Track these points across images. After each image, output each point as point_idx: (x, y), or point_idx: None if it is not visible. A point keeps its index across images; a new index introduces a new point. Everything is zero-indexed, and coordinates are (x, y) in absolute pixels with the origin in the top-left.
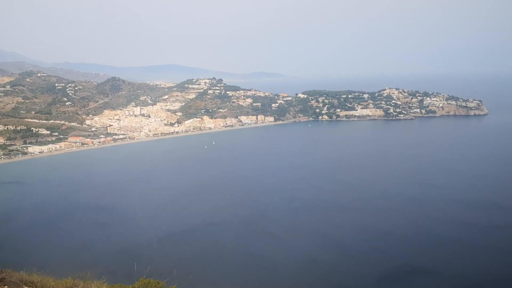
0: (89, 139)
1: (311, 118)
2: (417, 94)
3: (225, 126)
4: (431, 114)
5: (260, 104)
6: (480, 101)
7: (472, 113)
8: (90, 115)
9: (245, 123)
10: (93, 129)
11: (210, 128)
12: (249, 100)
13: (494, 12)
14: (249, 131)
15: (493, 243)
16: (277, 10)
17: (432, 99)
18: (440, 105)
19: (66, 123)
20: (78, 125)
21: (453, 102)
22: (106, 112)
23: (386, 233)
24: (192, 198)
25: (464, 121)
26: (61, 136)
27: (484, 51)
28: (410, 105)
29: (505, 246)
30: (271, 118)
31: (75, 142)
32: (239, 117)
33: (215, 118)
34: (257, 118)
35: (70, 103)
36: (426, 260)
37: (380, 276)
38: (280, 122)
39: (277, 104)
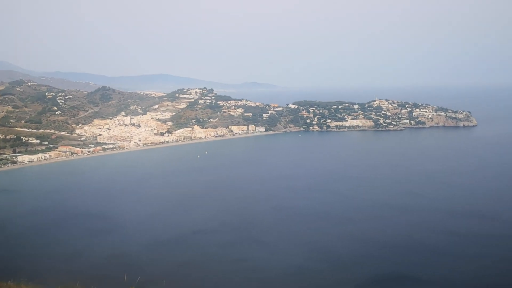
0: (78, 149)
1: (302, 129)
2: (407, 105)
3: (216, 136)
4: (420, 125)
5: (251, 114)
6: (469, 112)
7: (462, 124)
8: (80, 124)
9: (236, 133)
10: (83, 138)
11: (200, 138)
12: (240, 110)
13: (482, 27)
14: (240, 141)
15: (479, 251)
16: (268, 21)
17: (422, 110)
18: (430, 116)
19: (56, 132)
20: (68, 134)
21: (443, 114)
22: (96, 121)
23: (374, 242)
24: (183, 206)
25: (453, 132)
26: (51, 145)
27: (471, 64)
28: (400, 116)
29: (491, 254)
30: (262, 128)
31: (65, 151)
32: (230, 127)
33: (205, 128)
34: (248, 128)
35: (60, 112)
36: (413, 268)
37: (367, 283)
38: (271, 132)
39: (268, 114)
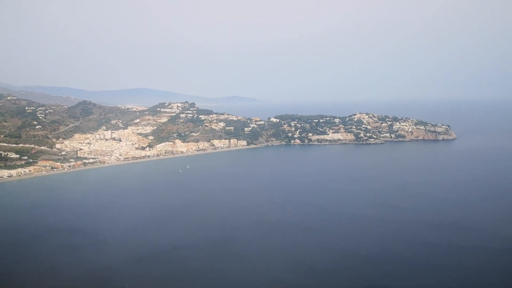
0: (59, 163)
1: (283, 142)
2: (387, 119)
3: (198, 150)
4: (400, 139)
5: (233, 128)
6: (448, 126)
7: (441, 138)
8: (60, 139)
9: (218, 147)
10: (63, 153)
11: (182, 152)
12: (221, 124)
13: (459, 40)
14: (222, 155)
15: (455, 262)
16: (248, 36)
17: (402, 124)
18: (409, 129)
19: (36, 146)
20: (48, 149)
21: (422, 127)
22: (77, 135)
23: (351, 254)
24: (163, 221)
25: (432, 145)
26: (31, 160)
27: (449, 78)
28: (380, 130)
29: (467, 265)
30: (244, 142)
31: (45, 166)
32: (211, 141)
33: (187, 142)
34: (229, 142)
35: (40, 126)
36: (390, 279)
37: None
38: (253, 146)
39: (250, 128)
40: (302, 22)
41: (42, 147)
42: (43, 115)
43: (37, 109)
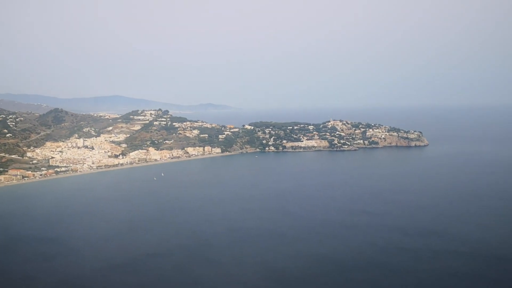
0: (30, 172)
1: (258, 149)
2: (360, 126)
3: (172, 158)
4: (374, 145)
5: (207, 135)
6: (420, 132)
7: (413, 144)
8: (32, 147)
9: (192, 155)
10: (34, 161)
11: (156, 159)
12: (196, 132)
13: (430, 46)
14: (196, 162)
15: (428, 266)
16: (221, 43)
17: (375, 130)
18: (382, 136)
19: (6, 155)
20: (19, 157)
21: (395, 134)
22: (48, 144)
23: (326, 260)
24: (137, 229)
25: (405, 151)
26: (1, 169)
27: (421, 85)
28: (354, 136)
29: (440, 269)
30: (218, 150)
31: (16, 175)
32: (185, 148)
33: (161, 150)
34: (204, 150)
35: (11, 135)
36: (362, 285)
37: None
38: (227, 153)
39: (224, 136)
40: (277, 33)
41: (13, 156)
42: (13, 123)
43: (8, 117)
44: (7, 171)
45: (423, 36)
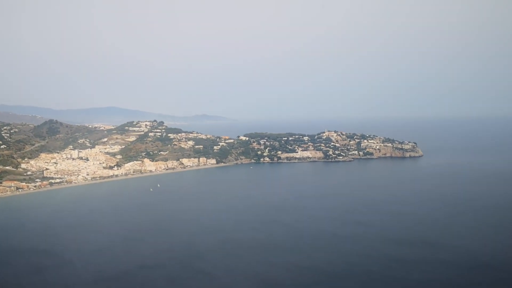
0: (24, 183)
1: (253, 160)
2: (355, 137)
3: (167, 169)
4: (368, 156)
5: (202, 146)
6: (415, 143)
7: (408, 155)
8: (26, 159)
9: (187, 166)
10: (29, 173)
11: (150, 171)
12: (191, 143)
13: (422, 58)
14: (191, 173)
15: (422, 277)
16: (216, 55)
17: (369, 141)
18: (377, 147)
19: (0, 167)
20: (13, 169)
21: (389, 144)
22: (43, 155)
23: (318, 271)
24: (130, 241)
25: (399, 162)
26: None
27: (414, 96)
28: (349, 147)
29: (434, 280)
30: (213, 161)
31: (10, 187)
32: (180, 159)
33: (156, 161)
34: (199, 161)
35: (5, 146)
36: None
37: None
38: (222, 164)
39: (219, 147)
40: (267, 44)
41: (7, 167)
42: (8, 135)
43: (2, 128)
44: (1, 183)
45: (401, 46)
